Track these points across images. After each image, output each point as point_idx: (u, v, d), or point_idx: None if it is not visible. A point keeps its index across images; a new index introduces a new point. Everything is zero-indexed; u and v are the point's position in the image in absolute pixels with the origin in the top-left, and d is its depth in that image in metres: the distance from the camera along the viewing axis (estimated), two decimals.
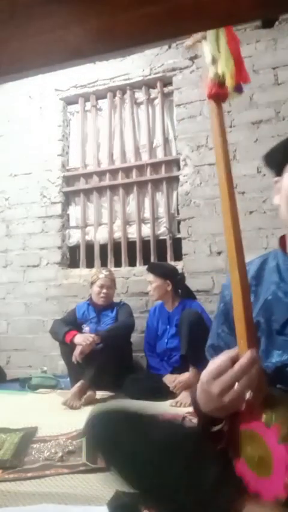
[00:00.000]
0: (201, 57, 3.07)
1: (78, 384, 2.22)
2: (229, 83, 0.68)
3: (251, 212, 2.69)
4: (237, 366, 0.61)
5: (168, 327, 2.48)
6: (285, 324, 0.74)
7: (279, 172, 0.81)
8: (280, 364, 0.72)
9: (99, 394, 2.30)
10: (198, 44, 0.75)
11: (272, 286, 0.78)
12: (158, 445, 0.70)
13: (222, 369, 0.63)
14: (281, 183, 0.79)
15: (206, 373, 0.66)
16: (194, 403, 0.76)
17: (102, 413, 0.79)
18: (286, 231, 0.79)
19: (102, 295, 2.62)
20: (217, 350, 0.85)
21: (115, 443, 0.74)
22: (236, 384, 0.61)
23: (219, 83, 0.69)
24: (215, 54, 0.69)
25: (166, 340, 2.45)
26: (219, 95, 0.71)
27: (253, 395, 0.61)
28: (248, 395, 0.61)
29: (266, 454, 0.63)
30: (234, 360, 0.63)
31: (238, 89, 0.71)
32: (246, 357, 0.62)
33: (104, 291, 2.62)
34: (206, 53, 0.73)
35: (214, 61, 0.69)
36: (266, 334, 0.76)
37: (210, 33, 0.69)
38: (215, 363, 0.65)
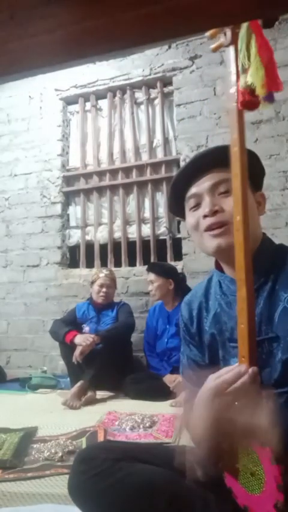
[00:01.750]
0: (201, 57, 3.08)
1: (78, 384, 2.22)
2: (260, 92, 0.67)
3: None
4: (239, 383, 0.63)
5: (168, 326, 2.48)
6: (232, 331, 0.78)
7: (184, 217, 0.88)
8: None
9: (99, 394, 2.30)
10: (219, 36, 0.74)
11: (217, 300, 0.84)
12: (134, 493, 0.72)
13: (224, 387, 0.64)
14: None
15: (207, 390, 0.67)
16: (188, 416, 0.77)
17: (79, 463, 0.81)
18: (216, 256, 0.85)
19: (101, 294, 2.62)
20: (192, 379, 0.88)
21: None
22: (236, 402, 0.62)
23: (251, 90, 0.68)
24: (244, 63, 0.67)
25: (166, 340, 2.45)
26: (251, 102, 0.69)
27: (250, 413, 0.61)
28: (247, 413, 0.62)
29: (259, 472, 0.63)
30: (236, 377, 0.64)
31: (269, 98, 0.69)
32: (248, 374, 0.63)
33: (104, 290, 2.63)
34: (232, 59, 0.72)
35: (244, 70, 0.67)
36: (221, 344, 0.81)
37: (241, 40, 0.68)
38: (216, 379, 0.66)
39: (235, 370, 0.65)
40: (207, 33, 0.74)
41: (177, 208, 0.89)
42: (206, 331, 0.84)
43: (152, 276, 2.51)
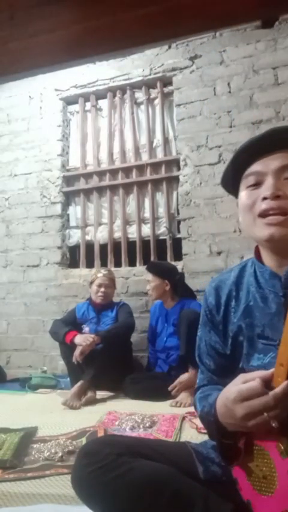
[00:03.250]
0: (201, 57, 3.08)
1: (78, 384, 2.22)
2: None
3: None
4: (271, 397, 0.59)
5: (166, 325, 2.48)
6: (264, 328, 0.75)
7: (236, 194, 0.81)
8: (261, 367, 0.73)
9: (99, 394, 2.30)
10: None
11: (251, 292, 0.79)
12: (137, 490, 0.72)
13: (253, 393, 0.60)
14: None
15: (233, 392, 0.63)
16: (204, 408, 0.75)
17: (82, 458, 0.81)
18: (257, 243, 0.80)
19: (100, 294, 2.62)
20: (209, 366, 0.87)
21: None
22: (265, 413, 0.59)
23: None
24: None
25: (165, 339, 2.45)
26: None
27: (280, 425, 0.59)
28: (274, 424, 0.59)
29: (272, 477, 0.62)
30: (267, 384, 0.60)
31: None
32: (282, 388, 0.59)
33: (102, 289, 2.62)
34: None
35: None
36: (247, 339, 0.77)
37: None
38: (246, 384, 0.62)
39: (262, 376, 0.61)
40: None
41: (232, 182, 0.81)
42: (233, 322, 0.80)
43: (149, 276, 2.52)
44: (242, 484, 0.70)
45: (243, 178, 0.77)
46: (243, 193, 0.76)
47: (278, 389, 0.59)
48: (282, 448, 0.60)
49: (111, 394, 2.35)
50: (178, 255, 3.03)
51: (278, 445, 0.61)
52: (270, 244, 0.72)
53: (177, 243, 3.06)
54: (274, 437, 0.62)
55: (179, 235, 3.05)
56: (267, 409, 0.59)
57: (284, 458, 0.60)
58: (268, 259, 0.77)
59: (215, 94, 2.98)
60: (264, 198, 0.70)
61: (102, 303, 2.64)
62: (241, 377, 0.65)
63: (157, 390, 2.21)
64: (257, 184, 0.73)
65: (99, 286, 2.64)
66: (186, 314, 2.25)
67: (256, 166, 0.74)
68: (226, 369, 0.70)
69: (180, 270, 2.83)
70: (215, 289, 0.86)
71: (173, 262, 2.93)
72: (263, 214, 0.70)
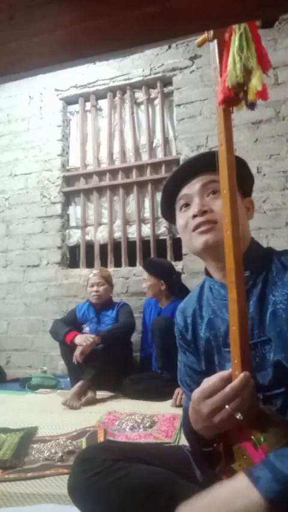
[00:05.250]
0: (201, 57, 3.07)
1: (79, 384, 2.22)
2: (250, 97, 0.65)
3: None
4: (228, 388, 0.62)
5: None
6: (226, 336, 0.78)
7: (175, 221, 0.89)
8: None
9: (99, 394, 2.30)
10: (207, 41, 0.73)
11: (210, 306, 0.85)
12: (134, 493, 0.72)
13: (214, 389, 0.63)
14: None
15: (197, 393, 0.66)
16: (186, 421, 0.77)
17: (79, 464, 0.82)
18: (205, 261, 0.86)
19: (93, 293, 2.62)
20: (190, 386, 0.89)
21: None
22: (227, 405, 0.62)
23: (236, 89, 0.66)
24: (248, 65, 0.63)
25: None
26: (232, 100, 0.68)
27: (243, 416, 0.61)
28: (238, 416, 0.61)
29: None
30: (226, 380, 0.63)
31: (252, 106, 0.68)
32: (239, 379, 0.62)
33: (95, 288, 2.62)
34: (216, 54, 0.70)
35: (246, 71, 0.64)
36: (216, 350, 0.81)
37: (240, 36, 0.65)
38: (207, 382, 0.65)
39: (226, 374, 0.64)
40: (197, 41, 0.74)
41: (168, 211, 0.91)
42: (201, 338, 0.85)
43: (145, 275, 2.52)
44: None
45: (176, 204, 0.87)
46: (178, 217, 0.86)
47: (235, 381, 0.62)
48: (254, 439, 0.62)
49: (111, 394, 2.35)
50: (178, 255, 3.03)
51: (251, 439, 0.63)
52: (207, 251, 0.79)
53: (177, 243, 3.06)
54: (247, 432, 0.64)
55: (179, 235, 3.04)
56: (227, 401, 0.62)
57: (257, 449, 0.61)
58: (214, 271, 0.84)
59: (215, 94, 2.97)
60: (194, 216, 0.79)
61: (98, 302, 2.63)
62: (204, 380, 0.68)
63: (156, 391, 2.21)
64: (187, 206, 0.83)
65: (92, 286, 2.65)
66: (157, 323, 2.24)
67: (183, 191, 0.84)
68: None
69: (180, 270, 2.83)
70: (181, 311, 0.93)
71: (173, 262, 2.93)
72: (196, 229, 0.79)
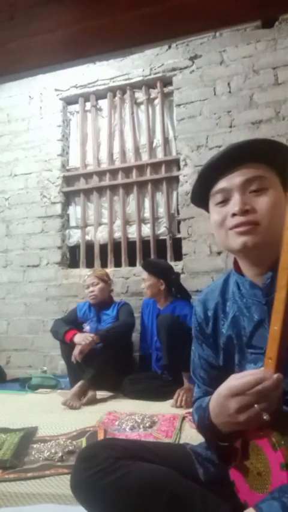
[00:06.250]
0: (201, 57, 3.08)
1: (79, 383, 2.22)
2: None
3: None
4: (261, 387, 0.61)
5: (155, 325, 2.47)
6: (251, 337, 0.77)
7: (207, 209, 0.84)
8: None
9: (99, 394, 2.29)
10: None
11: (236, 303, 0.81)
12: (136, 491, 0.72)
13: (244, 387, 0.63)
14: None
15: (226, 388, 0.66)
16: (201, 413, 0.76)
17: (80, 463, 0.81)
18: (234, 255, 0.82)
19: (90, 294, 2.63)
20: (204, 379, 0.88)
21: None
22: (256, 405, 0.61)
23: None
24: None
25: (155, 339, 2.43)
26: None
27: (270, 417, 0.61)
28: (265, 417, 0.61)
29: (266, 473, 0.63)
30: (258, 380, 0.62)
31: None
32: (272, 380, 0.61)
33: (91, 289, 2.63)
34: None
35: None
36: (238, 349, 0.79)
37: None
38: (238, 379, 0.64)
39: (260, 374, 0.63)
40: None
41: (200, 199, 0.83)
42: (223, 334, 0.82)
43: (145, 274, 2.51)
44: (239, 486, 0.70)
45: (211, 196, 0.79)
46: (213, 211, 0.78)
47: (267, 382, 0.61)
48: (274, 440, 0.62)
49: (111, 394, 2.35)
50: (178, 255, 3.03)
51: (270, 439, 0.62)
52: (245, 253, 0.74)
53: (177, 243, 3.06)
54: (266, 432, 0.63)
55: (179, 235, 3.04)
56: (259, 400, 0.61)
57: (276, 451, 0.61)
58: (246, 269, 0.79)
59: (215, 94, 2.98)
60: (234, 214, 0.72)
61: (95, 302, 2.63)
62: (232, 376, 0.67)
63: (156, 391, 2.21)
64: (225, 201, 0.75)
65: (88, 287, 2.66)
66: (163, 320, 2.21)
67: (221, 184, 0.75)
68: (220, 380, 0.72)
69: (180, 270, 2.83)
70: (202, 303, 0.89)
71: (173, 262, 2.93)
72: (234, 228, 0.73)
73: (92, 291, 2.62)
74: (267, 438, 0.63)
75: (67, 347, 2.39)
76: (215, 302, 0.85)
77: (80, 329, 2.52)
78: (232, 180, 0.73)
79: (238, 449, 0.70)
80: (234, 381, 0.65)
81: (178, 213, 3.07)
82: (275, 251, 0.68)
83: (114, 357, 2.33)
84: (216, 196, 0.77)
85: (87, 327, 2.59)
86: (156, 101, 3.28)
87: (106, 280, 2.70)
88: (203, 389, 0.89)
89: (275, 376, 0.61)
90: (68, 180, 3.44)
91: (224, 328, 0.82)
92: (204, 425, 0.74)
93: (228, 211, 0.74)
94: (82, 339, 2.29)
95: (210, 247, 2.85)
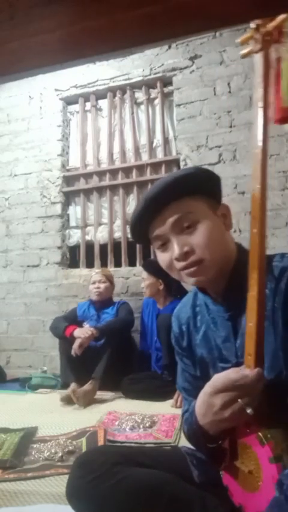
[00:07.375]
0: (201, 57, 3.07)
1: (91, 381, 2.22)
2: None
3: (251, 212, 2.68)
4: (242, 382, 0.63)
5: (155, 325, 2.48)
6: (220, 351, 0.79)
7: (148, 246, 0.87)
8: None
9: (100, 394, 2.29)
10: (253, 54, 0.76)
11: (204, 317, 0.84)
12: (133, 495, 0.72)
13: (227, 384, 0.64)
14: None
15: (209, 386, 0.67)
16: (188, 422, 0.77)
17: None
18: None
19: (95, 290, 2.67)
20: (189, 391, 0.89)
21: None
22: (239, 399, 0.63)
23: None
24: None
25: (155, 339, 2.44)
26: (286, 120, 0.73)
27: (254, 412, 0.62)
28: (249, 411, 0.62)
29: (256, 470, 0.64)
30: (239, 376, 0.64)
31: None
32: (254, 374, 0.63)
33: (96, 285, 2.67)
34: (260, 67, 0.74)
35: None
36: (211, 364, 0.82)
37: None
38: (221, 376, 0.66)
39: (241, 370, 0.65)
40: (238, 40, 0.76)
41: (140, 240, 0.85)
42: (196, 348, 0.85)
43: (144, 274, 2.52)
44: (232, 490, 0.71)
45: (151, 240, 0.80)
46: (158, 254, 0.80)
47: (249, 376, 0.63)
48: (261, 435, 0.63)
49: (111, 394, 2.34)
50: None
51: (257, 435, 0.63)
52: (201, 285, 0.80)
53: None
54: (253, 429, 0.65)
55: None
56: (240, 395, 0.63)
57: (264, 446, 0.62)
58: (207, 288, 0.82)
59: (215, 94, 2.98)
60: (176, 259, 0.74)
61: (99, 299, 2.66)
62: (214, 377, 0.68)
63: (155, 391, 2.21)
64: (165, 244, 0.77)
65: (94, 283, 2.69)
66: (163, 320, 2.21)
67: (155, 231, 0.77)
68: None
69: None
70: (176, 318, 0.92)
71: None
72: (182, 269, 0.75)
73: (97, 287, 2.66)
74: (254, 435, 0.64)
75: (66, 343, 2.39)
76: (187, 316, 0.88)
77: (80, 326, 2.53)
78: (164, 223, 0.74)
79: (227, 449, 0.71)
80: (218, 378, 0.67)
81: None
82: (228, 263, 0.75)
83: (117, 356, 2.34)
84: (155, 243, 0.79)
85: (86, 325, 2.59)
86: (156, 101, 3.28)
87: (112, 282, 2.77)
88: (189, 401, 0.90)
89: (255, 370, 0.63)
90: (68, 180, 3.44)
91: (196, 342, 0.85)
92: (193, 429, 0.75)
93: (171, 256, 0.75)
94: (82, 332, 2.31)
95: None
